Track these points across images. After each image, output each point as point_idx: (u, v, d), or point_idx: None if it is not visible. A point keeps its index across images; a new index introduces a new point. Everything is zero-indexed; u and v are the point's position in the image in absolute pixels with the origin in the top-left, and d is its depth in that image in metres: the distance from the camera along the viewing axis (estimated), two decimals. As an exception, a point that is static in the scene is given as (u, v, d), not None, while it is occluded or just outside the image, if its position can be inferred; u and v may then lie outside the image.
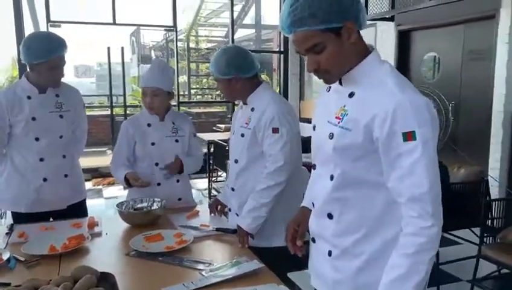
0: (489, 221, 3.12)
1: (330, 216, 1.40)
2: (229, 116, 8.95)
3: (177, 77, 8.27)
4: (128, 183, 2.40)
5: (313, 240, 1.52)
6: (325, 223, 1.43)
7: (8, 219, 2.56)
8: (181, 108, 8.16)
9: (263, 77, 11.41)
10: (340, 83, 1.37)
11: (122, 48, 7.98)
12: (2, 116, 2.31)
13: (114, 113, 8.67)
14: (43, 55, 2.24)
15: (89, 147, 8.49)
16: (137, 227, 2.17)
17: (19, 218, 2.38)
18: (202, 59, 13.00)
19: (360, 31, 1.32)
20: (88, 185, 6.59)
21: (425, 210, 1.21)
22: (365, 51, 1.34)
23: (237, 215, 2.15)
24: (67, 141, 2.48)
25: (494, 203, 3.10)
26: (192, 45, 13.40)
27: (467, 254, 3.33)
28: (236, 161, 2.17)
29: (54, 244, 1.89)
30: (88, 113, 10.73)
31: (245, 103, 2.16)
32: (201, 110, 11.58)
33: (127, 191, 2.64)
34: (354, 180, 1.33)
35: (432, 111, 1.25)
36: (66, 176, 2.47)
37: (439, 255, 3.29)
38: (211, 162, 6.10)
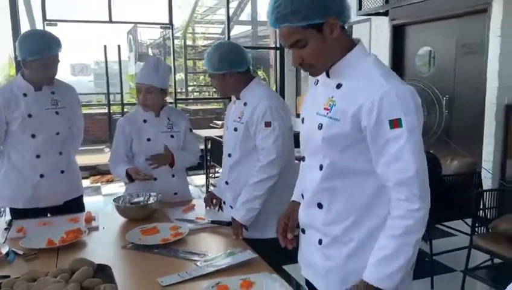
0: (482, 212, 3.17)
1: (320, 206, 1.44)
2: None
3: (174, 74, 8.30)
4: (130, 178, 2.42)
5: (303, 231, 1.56)
6: (315, 212, 1.47)
7: (7, 216, 2.60)
8: (178, 105, 8.19)
9: (260, 73, 11.44)
10: (328, 76, 1.41)
11: (119, 46, 8.01)
12: None
13: (111, 111, 8.71)
14: (36, 52, 2.28)
15: (87, 145, 8.58)
16: (134, 221, 2.21)
17: (17, 214, 2.42)
18: (199, 56, 13.01)
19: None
20: (86, 182, 6.63)
21: (412, 193, 1.25)
22: (351, 44, 1.38)
23: (231, 207, 2.19)
24: (64, 137, 2.51)
25: (486, 193, 3.15)
26: (189, 42, 13.42)
27: (460, 244, 3.37)
28: (229, 155, 2.21)
29: (52, 238, 1.93)
30: (86, 111, 10.72)
31: (238, 98, 2.20)
32: (199, 107, 11.61)
33: (125, 188, 2.67)
34: (342, 169, 1.37)
35: (416, 99, 1.29)
36: (62, 172, 2.51)
37: (433, 246, 3.34)
38: (208, 158, 6.15)
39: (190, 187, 2.83)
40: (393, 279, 1.28)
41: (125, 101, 8.50)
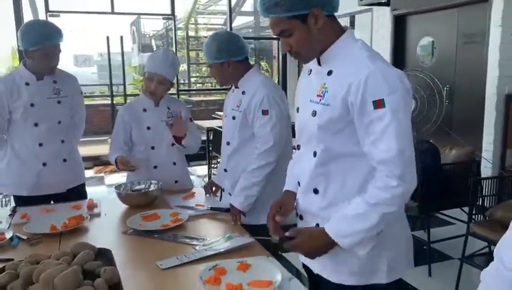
0: (481, 200, 3.20)
1: (316, 191, 1.48)
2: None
3: (177, 65, 8.31)
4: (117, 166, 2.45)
5: (301, 218, 1.59)
6: (311, 198, 1.51)
7: (12, 204, 2.65)
8: (181, 96, 8.22)
9: (262, 64, 11.44)
10: (319, 64, 1.44)
11: (121, 37, 8.03)
12: (2, 103, 2.39)
13: (114, 102, 8.75)
14: (38, 42, 2.31)
15: (90, 136, 8.64)
16: (135, 208, 2.26)
17: (21, 201, 2.46)
18: (201, 47, 12.99)
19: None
20: (90, 173, 6.69)
21: (393, 172, 1.29)
22: (340, 31, 1.41)
23: (230, 194, 2.23)
24: (66, 126, 2.56)
25: (484, 181, 3.17)
26: (191, 33, 13.42)
27: (458, 233, 3.41)
28: (228, 143, 2.25)
29: (55, 224, 1.98)
30: (89, 102, 10.75)
31: (237, 87, 2.23)
32: (201, 98, 11.63)
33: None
34: (335, 153, 1.40)
35: (404, 81, 1.32)
36: (64, 160, 2.55)
37: (432, 235, 3.38)
38: (210, 148, 6.18)
39: (192, 177, 2.87)
40: (350, 238, 1.34)
41: (128, 93, 8.54)
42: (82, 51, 14.31)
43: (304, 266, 1.67)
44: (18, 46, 2.59)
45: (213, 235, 1.91)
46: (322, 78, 1.41)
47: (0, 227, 2.01)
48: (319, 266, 1.53)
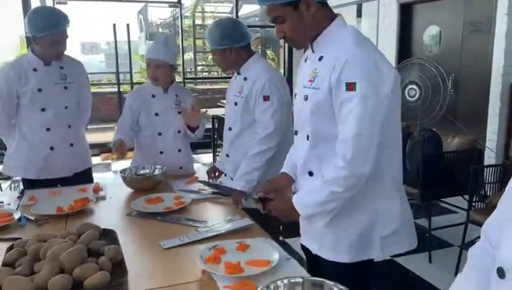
0: (483, 188, 3.22)
1: (311, 173, 1.53)
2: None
3: (183, 53, 8.34)
4: None
5: None
6: (307, 181, 1.56)
7: (20, 189, 2.71)
8: (187, 85, 8.25)
9: (269, 53, 11.42)
10: (313, 50, 1.49)
11: (128, 25, 8.05)
12: (10, 87, 2.44)
13: (121, 90, 8.80)
14: (45, 28, 2.35)
15: (98, 124, 8.71)
16: (139, 191, 2.31)
17: (29, 184, 2.53)
18: (208, 35, 12.97)
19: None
20: (97, 159, 6.77)
21: (344, 154, 1.36)
22: (332, 18, 1.46)
23: (232, 179, 2.28)
24: (72, 111, 2.61)
25: (486, 169, 3.19)
26: (198, 22, 13.39)
27: (459, 221, 3.44)
28: (230, 129, 2.29)
29: (61, 206, 2.04)
30: (96, 90, 10.77)
31: (239, 73, 2.27)
32: (208, 86, 11.65)
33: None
34: (325, 136, 1.45)
35: (381, 68, 1.36)
36: (71, 145, 2.61)
37: (433, 223, 3.42)
38: (215, 137, 6.23)
39: (198, 165, 2.92)
40: (305, 209, 1.47)
41: (134, 81, 8.57)
42: (89, 38, 14.33)
43: (302, 247, 1.72)
44: (26, 32, 2.63)
45: (214, 218, 1.96)
46: (314, 63, 1.47)
47: (9, 208, 2.08)
48: (317, 246, 1.58)
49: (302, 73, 1.55)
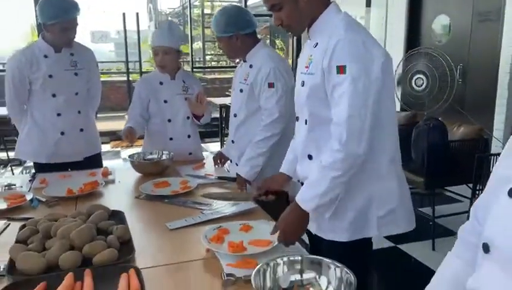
0: (487, 177, 3.23)
1: (310, 157, 1.57)
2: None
3: (191, 43, 8.36)
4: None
5: (302, 184, 1.68)
6: (307, 164, 1.60)
7: (32, 171, 2.79)
8: (195, 74, 8.29)
9: (277, 42, 11.40)
10: (310, 38, 1.55)
11: (137, 14, 8.11)
12: (22, 73, 2.50)
13: (131, 79, 8.87)
14: (56, 16, 2.40)
15: (107, 112, 8.79)
16: (147, 176, 2.37)
17: (40, 168, 2.61)
18: (216, 25, 12.92)
19: None
20: (107, 147, 6.86)
21: (338, 136, 1.38)
22: (327, 3, 1.50)
23: (237, 164, 2.33)
24: (82, 97, 2.67)
25: (492, 158, 3.20)
26: (207, 11, 13.37)
27: (464, 210, 3.47)
28: (235, 115, 2.34)
29: (71, 188, 2.11)
30: (106, 79, 10.86)
31: (244, 60, 2.30)
32: (216, 76, 11.67)
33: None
34: (322, 119, 1.48)
35: (371, 50, 1.39)
36: (81, 130, 2.67)
37: (437, 212, 3.45)
38: (223, 126, 6.27)
39: (206, 153, 2.96)
40: (309, 204, 1.44)
41: (143, 70, 8.64)
42: (99, 27, 14.41)
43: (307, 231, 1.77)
44: (37, 20, 2.69)
45: (219, 202, 2.01)
46: (310, 50, 1.51)
47: (21, 190, 2.15)
48: (316, 226, 1.62)
49: (300, 61, 1.61)
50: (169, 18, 15.26)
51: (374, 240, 1.64)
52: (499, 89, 4.41)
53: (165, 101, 2.64)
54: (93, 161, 2.74)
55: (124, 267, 1.33)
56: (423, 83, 4.22)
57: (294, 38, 8.29)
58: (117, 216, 1.76)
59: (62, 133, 2.60)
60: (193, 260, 1.46)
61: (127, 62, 8.76)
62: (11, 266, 1.35)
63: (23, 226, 1.63)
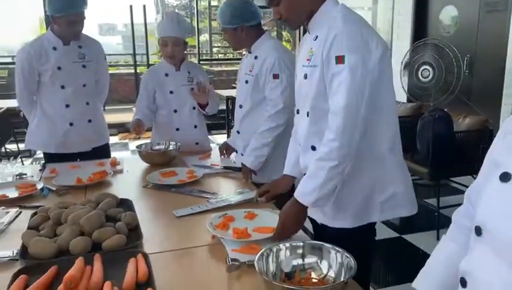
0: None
1: (313, 148, 1.60)
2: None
3: (198, 35, 8.38)
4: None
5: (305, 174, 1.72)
6: (311, 155, 1.62)
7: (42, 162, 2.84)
8: (202, 66, 8.30)
9: (284, 34, 11.37)
10: (309, 32, 1.57)
11: (144, 6, 8.13)
12: (31, 65, 2.54)
13: (138, 71, 8.93)
14: (63, 8, 2.44)
15: (115, 104, 8.85)
16: (155, 166, 2.41)
17: (50, 158, 2.66)
18: (224, 17, 12.90)
19: None
20: (115, 139, 6.93)
21: (335, 124, 1.41)
22: None
23: (242, 155, 2.36)
24: (90, 89, 2.71)
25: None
26: (214, 3, 13.35)
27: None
28: (241, 106, 2.37)
29: (81, 177, 2.16)
30: (113, 71, 10.88)
31: (250, 52, 2.33)
32: (223, 68, 11.69)
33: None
34: (324, 111, 1.50)
35: (368, 41, 1.42)
36: (89, 121, 2.72)
37: (443, 203, 3.46)
38: (229, 118, 6.30)
39: (212, 145, 2.99)
40: (309, 196, 1.45)
41: (151, 62, 8.69)
42: (106, 20, 14.46)
43: (309, 217, 1.80)
44: (45, 11, 2.73)
45: (225, 191, 2.05)
46: (310, 43, 1.54)
47: (32, 180, 2.20)
48: (321, 215, 1.65)
49: (300, 55, 1.63)
50: (176, 10, 15.26)
51: (379, 230, 1.67)
52: (505, 80, 4.40)
53: (171, 92, 2.67)
54: (102, 152, 2.79)
55: (132, 252, 1.37)
56: (429, 74, 4.22)
57: (301, 30, 8.29)
58: (125, 204, 1.81)
59: (71, 124, 2.65)
60: (199, 246, 1.50)
61: (134, 55, 8.81)
62: (24, 251, 1.40)
63: (35, 214, 1.68)
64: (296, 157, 1.74)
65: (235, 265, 1.30)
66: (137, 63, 9.08)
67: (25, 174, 2.29)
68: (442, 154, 3.29)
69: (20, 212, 1.81)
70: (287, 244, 1.27)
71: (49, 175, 2.28)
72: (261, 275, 1.13)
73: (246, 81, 2.30)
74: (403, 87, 4.58)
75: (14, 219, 1.74)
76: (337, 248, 1.21)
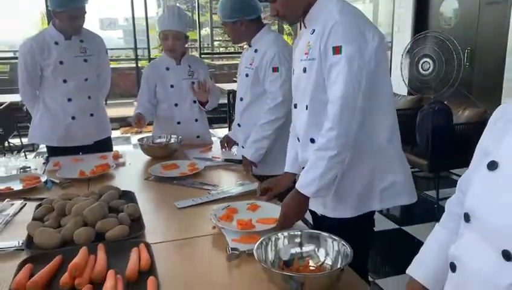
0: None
1: (312, 141, 1.62)
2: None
3: (199, 29, 8.38)
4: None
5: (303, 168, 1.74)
6: (310, 148, 1.65)
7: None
8: (204, 60, 8.31)
9: (285, 28, 11.34)
10: (306, 27, 1.59)
11: (145, 1, 8.12)
12: (34, 59, 2.57)
13: (139, 65, 8.94)
14: (64, 3, 2.46)
15: (117, 99, 8.88)
16: (156, 159, 2.44)
17: (53, 152, 2.70)
18: (225, 11, 12.88)
19: None
20: (117, 133, 6.96)
21: (332, 114, 1.44)
22: None
23: (243, 147, 2.39)
24: (92, 83, 2.74)
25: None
26: (215, -3, 13.35)
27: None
28: (241, 99, 2.40)
29: (84, 170, 2.20)
30: (115, 66, 10.89)
31: (250, 45, 2.35)
32: (224, 62, 11.69)
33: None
34: (323, 103, 1.52)
35: (365, 31, 1.44)
36: (91, 115, 2.76)
37: (444, 195, 3.49)
38: (231, 111, 6.32)
39: (214, 139, 3.02)
40: (310, 186, 1.48)
41: (152, 56, 8.71)
42: (107, 14, 14.45)
43: (309, 210, 1.83)
44: (47, 6, 2.75)
45: (226, 183, 2.08)
46: (308, 37, 1.56)
47: (36, 173, 2.24)
48: (321, 206, 1.67)
49: (297, 50, 1.65)
50: (177, 4, 15.24)
51: (379, 221, 1.69)
52: (506, 72, 4.40)
53: (172, 86, 2.70)
54: (104, 145, 2.83)
55: (135, 242, 1.40)
56: (430, 67, 4.23)
57: (302, 23, 8.27)
58: (127, 196, 1.84)
59: (73, 118, 2.68)
60: (200, 236, 1.53)
61: (135, 49, 8.82)
62: (29, 241, 1.43)
63: (39, 205, 1.72)
64: (296, 154, 1.76)
65: (235, 254, 1.33)
66: (139, 57, 9.10)
67: (29, 168, 2.33)
68: (442, 146, 3.32)
69: (25, 204, 1.84)
70: (285, 233, 1.30)
71: (52, 168, 2.31)
72: (260, 263, 1.16)
73: (246, 75, 2.32)
74: (403, 80, 4.59)
75: (19, 211, 1.77)
76: (333, 237, 1.24)
